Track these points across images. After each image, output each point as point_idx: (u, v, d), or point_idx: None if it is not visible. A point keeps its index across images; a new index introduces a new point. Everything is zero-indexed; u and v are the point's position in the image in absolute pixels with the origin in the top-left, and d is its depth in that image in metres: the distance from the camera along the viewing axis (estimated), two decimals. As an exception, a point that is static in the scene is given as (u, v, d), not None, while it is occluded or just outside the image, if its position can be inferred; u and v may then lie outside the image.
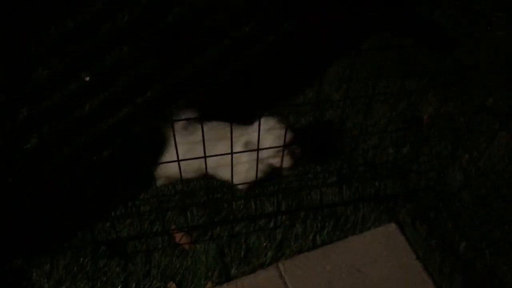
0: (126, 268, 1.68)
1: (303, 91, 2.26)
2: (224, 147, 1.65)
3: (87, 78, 2.23)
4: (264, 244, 1.76)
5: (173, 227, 1.79)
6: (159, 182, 1.90)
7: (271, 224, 1.80)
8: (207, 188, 1.89)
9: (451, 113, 2.19)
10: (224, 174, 1.81)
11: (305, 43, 2.51)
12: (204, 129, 1.43)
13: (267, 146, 1.62)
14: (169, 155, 1.77)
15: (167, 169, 1.78)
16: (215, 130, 1.76)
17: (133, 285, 1.65)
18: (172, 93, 2.22)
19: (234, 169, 1.60)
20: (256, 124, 1.70)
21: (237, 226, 1.79)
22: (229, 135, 1.48)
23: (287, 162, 1.72)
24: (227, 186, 1.89)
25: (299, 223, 1.81)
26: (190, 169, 1.75)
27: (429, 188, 1.91)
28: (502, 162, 2.01)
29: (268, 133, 1.69)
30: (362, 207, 1.86)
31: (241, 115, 1.63)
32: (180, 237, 1.77)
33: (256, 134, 1.56)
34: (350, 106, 2.20)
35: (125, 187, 1.85)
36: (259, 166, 1.68)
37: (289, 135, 1.61)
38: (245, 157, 1.72)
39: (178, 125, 1.78)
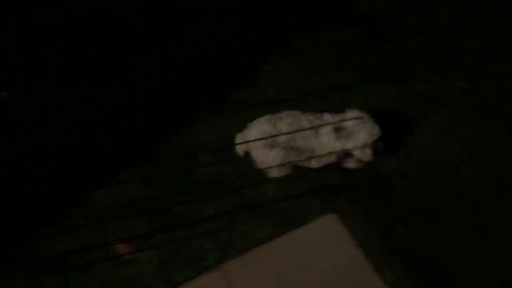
0: (67, 284, 1.63)
1: (240, 89, 2.27)
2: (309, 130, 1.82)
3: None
4: (208, 247, 1.75)
5: (113, 238, 1.75)
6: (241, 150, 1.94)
7: (214, 226, 1.80)
8: (147, 196, 1.86)
9: (381, 103, 2.27)
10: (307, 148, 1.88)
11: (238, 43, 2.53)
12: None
13: (361, 138, 1.79)
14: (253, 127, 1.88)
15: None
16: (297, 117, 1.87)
17: (74, 302, 1.60)
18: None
19: (316, 152, 1.86)
20: (346, 113, 1.86)
21: (179, 231, 1.77)
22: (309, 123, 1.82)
23: (369, 157, 1.86)
24: (167, 192, 1.87)
25: (242, 222, 1.81)
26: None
27: (366, 176, 1.97)
28: (431, 147, 2.10)
29: (362, 126, 1.80)
30: (302, 201, 1.88)
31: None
32: (120, 248, 1.73)
33: (348, 123, 1.79)
34: (282, 102, 2.23)
35: (59, 201, 1.79)
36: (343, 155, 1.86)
37: (378, 131, 1.80)
38: (331, 141, 1.83)
39: None
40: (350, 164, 1.95)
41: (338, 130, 1.81)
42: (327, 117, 1.86)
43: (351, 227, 1.82)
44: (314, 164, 1.91)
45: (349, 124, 1.80)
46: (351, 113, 1.83)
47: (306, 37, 2.64)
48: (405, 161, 2.02)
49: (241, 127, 1.91)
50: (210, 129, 2.13)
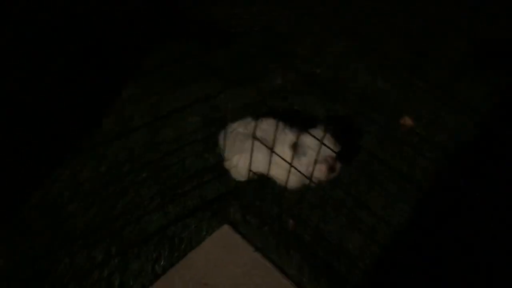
0: None
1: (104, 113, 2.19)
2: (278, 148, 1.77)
3: None
4: (103, 296, 1.64)
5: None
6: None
7: (105, 273, 1.69)
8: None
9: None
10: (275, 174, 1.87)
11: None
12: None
13: (319, 154, 1.72)
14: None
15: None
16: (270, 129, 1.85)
17: None
18: None
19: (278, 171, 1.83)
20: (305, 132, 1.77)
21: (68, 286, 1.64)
22: (280, 136, 1.78)
23: (323, 174, 1.78)
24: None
25: (133, 261, 1.72)
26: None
27: (250, 179, 1.99)
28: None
29: (315, 141, 1.73)
30: (192, 220, 1.85)
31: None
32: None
33: (306, 139, 1.73)
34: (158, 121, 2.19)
35: None
36: (295, 174, 1.76)
37: (336, 147, 1.74)
38: (288, 159, 1.74)
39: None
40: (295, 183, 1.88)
41: (295, 146, 1.77)
42: (287, 132, 1.83)
43: (245, 233, 1.82)
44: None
45: (306, 140, 1.76)
46: (313, 130, 1.77)
47: (154, 53, 2.63)
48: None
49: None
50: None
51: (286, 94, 2.41)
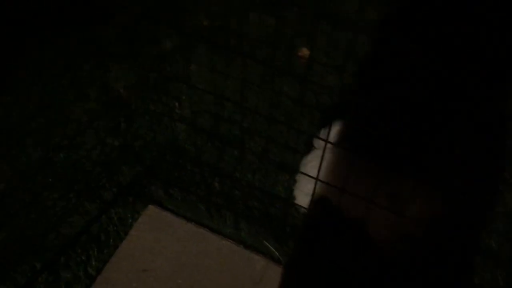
0: None
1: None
2: None
3: None
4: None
5: None
6: None
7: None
8: None
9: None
10: None
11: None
12: None
13: None
14: None
15: None
16: None
17: None
18: None
19: None
20: None
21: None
22: None
23: None
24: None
25: (63, 270, 1.61)
26: None
27: (161, 153, 1.91)
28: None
29: None
30: (113, 211, 1.75)
31: None
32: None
33: None
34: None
35: None
36: None
37: None
38: None
39: None
40: None
41: None
42: None
43: (173, 208, 1.76)
44: None
45: None
46: None
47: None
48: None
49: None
50: None
51: (177, 56, 2.30)
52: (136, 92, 1.94)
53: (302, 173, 1.58)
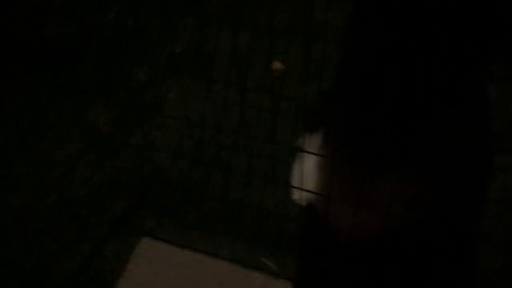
0: None
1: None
2: None
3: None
4: None
5: None
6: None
7: None
8: None
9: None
10: None
11: None
12: None
13: None
14: None
15: None
16: None
17: None
18: None
19: None
20: None
21: None
22: None
23: None
24: None
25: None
26: None
27: (149, 180, 1.92)
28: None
29: None
30: (107, 248, 1.74)
31: None
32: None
33: None
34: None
35: None
36: None
37: None
38: None
39: None
40: None
41: None
42: None
43: (166, 237, 1.76)
44: None
45: None
46: None
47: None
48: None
49: None
50: None
51: (153, 86, 2.32)
52: (117, 127, 1.95)
53: (289, 184, 1.59)
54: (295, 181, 1.58)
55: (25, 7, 2.76)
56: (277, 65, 2.35)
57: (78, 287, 1.65)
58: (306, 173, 1.40)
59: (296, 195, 1.66)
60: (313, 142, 1.69)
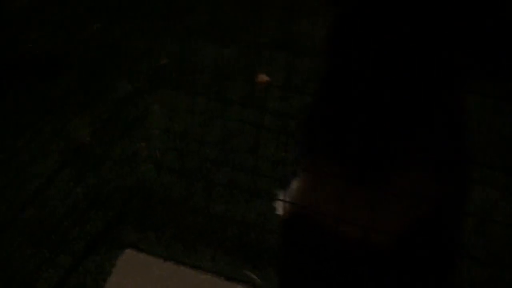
0: None
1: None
2: None
3: None
4: None
5: None
6: None
7: None
8: None
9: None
10: None
11: None
12: None
13: None
14: None
15: None
16: None
17: None
18: None
19: None
20: None
21: None
22: None
23: None
24: None
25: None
26: None
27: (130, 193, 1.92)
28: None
29: None
30: (89, 262, 1.74)
31: None
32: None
33: None
34: None
35: None
36: None
37: None
38: None
39: None
40: None
41: None
42: None
43: (149, 249, 1.76)
44: None
45: None
46: None
47: None
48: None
49: None
50: None
51: (138, 98, 2.32)
52: (100, 139, 1.96)
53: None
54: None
55: (5, 19, 2.76)
56: (262, 77, 2.37)
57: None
58: (291, 185, 1.42)
59: (279, 207, 1.67)
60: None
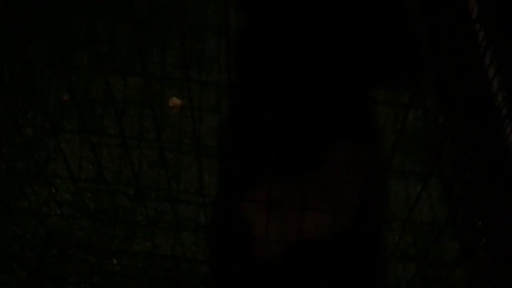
0: None
1: None
2: None
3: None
4: None
5: None
6: None
7: None
8: None
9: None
10: None
11: None
12: None
13: None
14: None
15: None
16: None
17: None
18: None
19: None
20: None
21: None
22: None
23: None
24: None
25: None
26: None
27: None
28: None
29: None
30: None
31: None
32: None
33: None
34: None
35: None
36: None
37: None
38: None
39: None
40: None
41: None
42: None
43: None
44: None
45: None
46: None
47: None
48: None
49: None
50: None
51: (42, 140, 2.14)
52: (2, 192, 1.77)
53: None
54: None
55: None
56: (174, 101, 2.28)
57: None
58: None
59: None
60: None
